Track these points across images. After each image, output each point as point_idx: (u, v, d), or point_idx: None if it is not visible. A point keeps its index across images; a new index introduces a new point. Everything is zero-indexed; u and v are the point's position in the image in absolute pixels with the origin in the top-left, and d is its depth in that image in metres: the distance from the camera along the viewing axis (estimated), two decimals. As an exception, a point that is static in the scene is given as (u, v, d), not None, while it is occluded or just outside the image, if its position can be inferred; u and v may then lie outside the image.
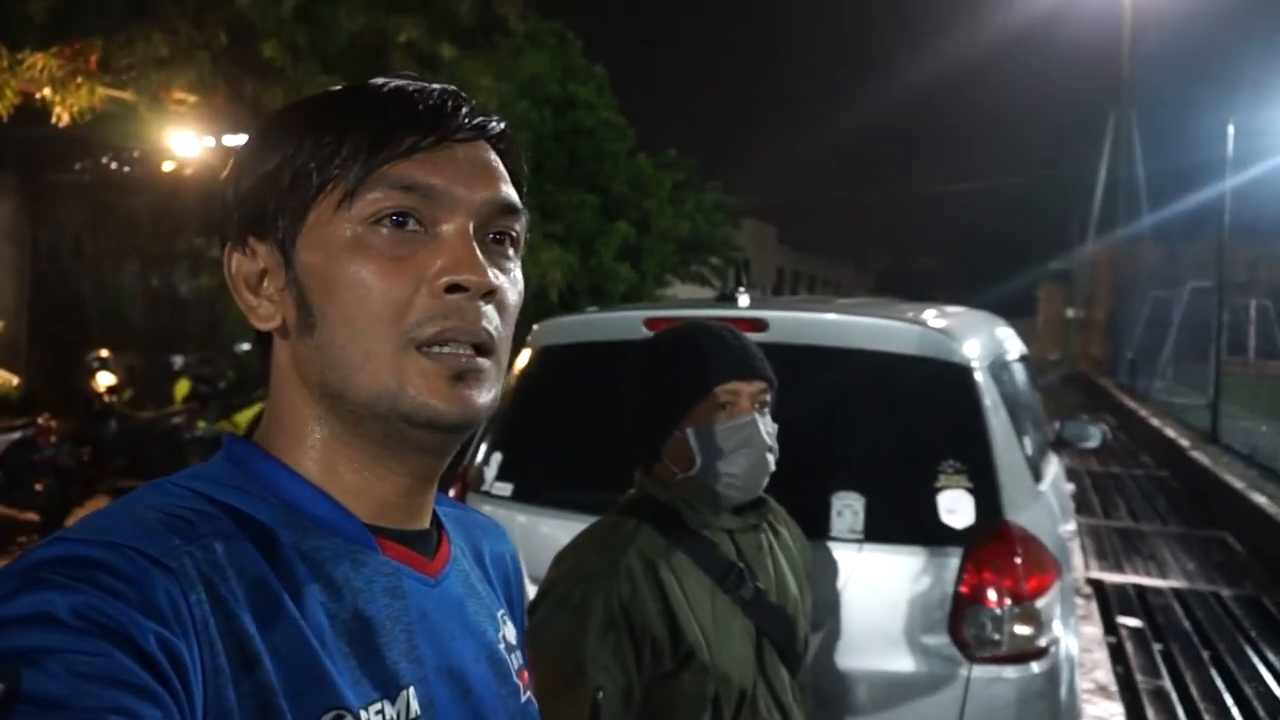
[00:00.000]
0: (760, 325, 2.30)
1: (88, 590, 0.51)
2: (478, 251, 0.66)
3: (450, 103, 0.68)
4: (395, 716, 0.62)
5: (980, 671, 2.05)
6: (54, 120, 5.81)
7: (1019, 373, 3.04)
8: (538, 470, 2.64)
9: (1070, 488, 4.06)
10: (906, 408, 2.32)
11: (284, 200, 0.66)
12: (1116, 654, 4.74)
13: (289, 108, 0.71)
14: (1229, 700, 4.20)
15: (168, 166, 8.69)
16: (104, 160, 10.68)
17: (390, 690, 0.63)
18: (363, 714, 0.60)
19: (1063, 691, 2.21)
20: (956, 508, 2.13)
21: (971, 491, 2.14)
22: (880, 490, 2.20)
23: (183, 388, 7.98)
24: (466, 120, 0.68)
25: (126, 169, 10.64)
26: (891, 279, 45.22)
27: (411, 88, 0.68)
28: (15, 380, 8.25)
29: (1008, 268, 33.00)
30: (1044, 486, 2.67)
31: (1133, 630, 5.09)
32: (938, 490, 2.14)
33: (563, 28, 11.24)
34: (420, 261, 0.65)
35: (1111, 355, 23.14)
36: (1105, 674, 4.42)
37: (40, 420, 6.38)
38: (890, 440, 2.31)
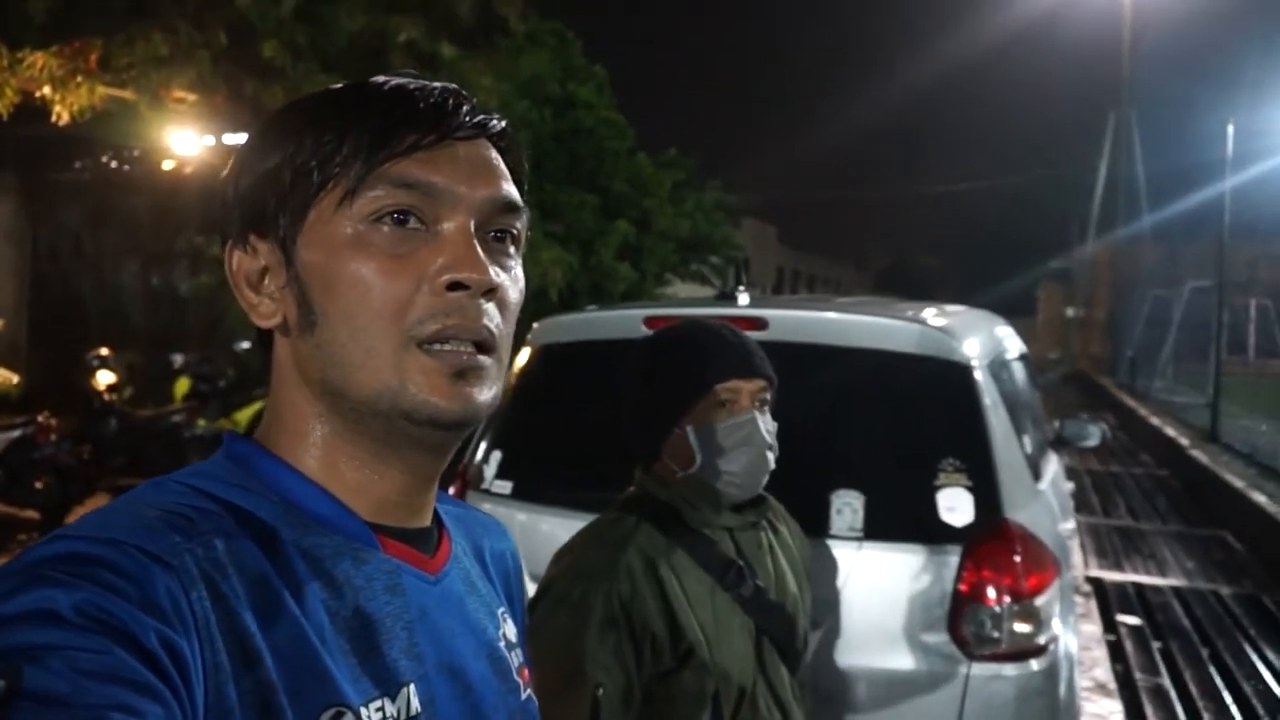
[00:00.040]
0: (760, 324, 2.30)
1: (89, 587, 0.51)
2: (479, 249, 0.66)
3: (451, 101, 0.68)
4: (395, 714, 0.62)
5: (979, 669, 2.05)
6: (54, 119, 5.82)
7: (1019, 371, 3.04)
8: (537, 468, 2.64)
9: (1070, 486, 4.06)
10: (906, 406, 2.32)
11: (285, 198, 0.66)
12: (1116, 652, 4.74)
13: (290, 106, 0.71)
14: (1228, 698, 4.20)
15: (167, 165, 8.70)
16: (104, 159, 10.70)
17: (390, 687, 0.63)
18: (363, 711, 0.60)
19: (1062, 689, 2.21)
20: (956, 506, 2.13)
21: (971, 490, 2.14)
22: (880, 488, 2.20)
23: (182, 386, 7.98)
24: (467, 118, 0.68)
25: (126, 168, 10.65)
26: (891, 278, 45.21)
27: (412, 86, 0.68)
28: (15, 378, 8.25)
29: (1008, 267, 33.03)
30: (1043, 485, 2.67)
31: (1132, 628, 5.10)
32: (937, 488, 2.14)
33: (562, 28, 11.23)
34: (421, 259, 0.65)
35: (1111, 354, 23.14)
36: (1104, 672, 4.43)
37: (40, 418, 6.38)
38: (890, 438, 2.31)
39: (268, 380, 0.72)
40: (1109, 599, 5.57)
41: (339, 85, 0.71)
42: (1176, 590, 5.80)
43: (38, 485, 6.19)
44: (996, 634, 2.05)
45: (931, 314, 2.52)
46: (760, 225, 30.89)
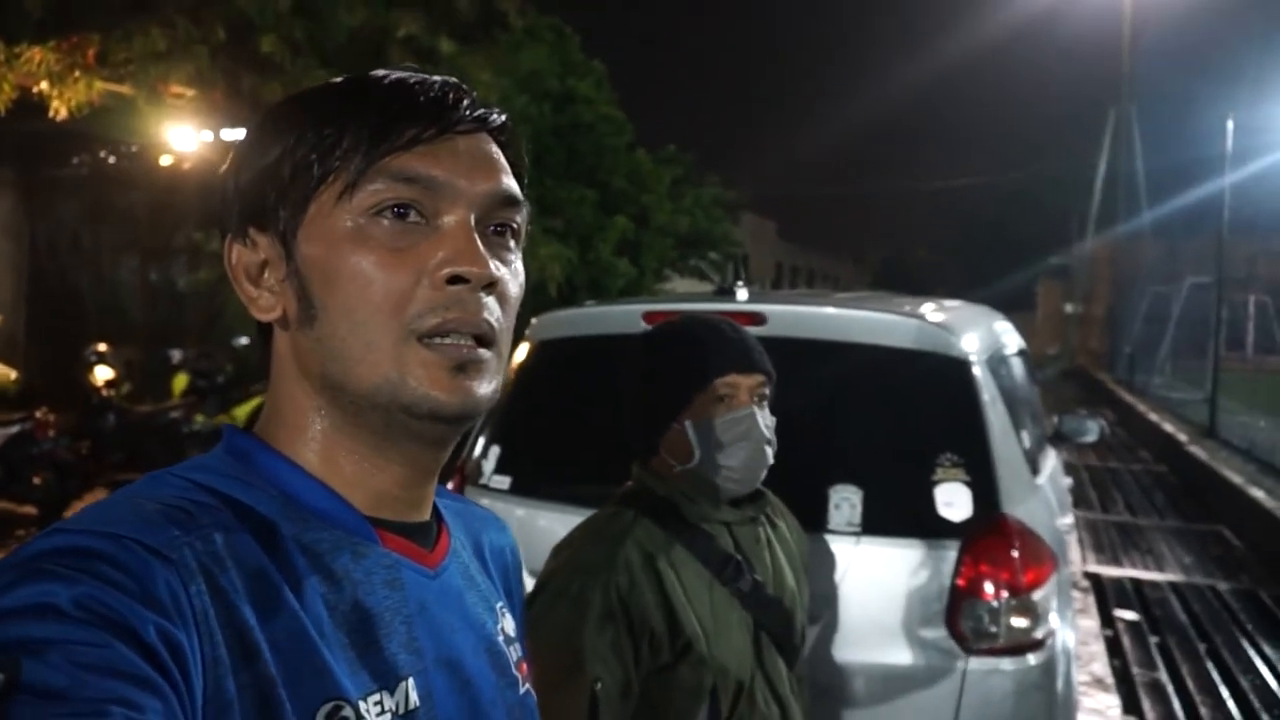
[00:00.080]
0: (759, 319, 2.30)
1: (88, 581, 0.51)
2: (479, 243, 0.66)
3: (451, 95, 0.68)
4: (394, 707, 0.62)
5: (977, 664, 2.05)
6: (52, 114, 5.80)
7: (1017, 367, 3.05)
8: (536, 463, 2.64)
9: (1068, 481, 4.06)
10: (904, 401, 2.32)
11: (285, 192, 0.66)
12: (1113, 647, 4.75)
13: (290, 99, 0.71)
14: (1225, 693, 4.21)
15: (166, 161, 8.69)
16: (102, 154, 10.69)
17: (389, 681, 0.63)
18: (361, 705, 0.60)
19: (1059, 683, 2.22)
20: (954, 501, 2.14)
21: (969, 485, 2.14)
22: (878, 483, 2.20)
23: (181, 382, 7.98)
24: (468, 112, 0.68)
25: (124, 163, 10.64)
26: (890, 274, 45.17)
27: (413, 80, 0.68)
28: (14, 374, 8.25)
29: (1007, 263, 33.01)
30: (1041, 480, 2.67)
31: (1130, 623, 5.11)
32: (935, 483, 2.15)
33: (561, 23, 11.22)
34: (421, 253, 0.65)
35: (1110, 350, 23.14)
36: (1102, 666, 4.44)
37: (39, 414, 6.39)
38: (888, 433, 2.31)
39: (266, 375, 0.72)
40: (1107, 594, 5.58)
41: (339, 79, 0.71)
42: (1174, 585, 5.81)
43: (36, 481, 6.19)
44: (994, 629, 2.06)
45: (930, 309, 2.52)
46: (759, 220, 30.87)
